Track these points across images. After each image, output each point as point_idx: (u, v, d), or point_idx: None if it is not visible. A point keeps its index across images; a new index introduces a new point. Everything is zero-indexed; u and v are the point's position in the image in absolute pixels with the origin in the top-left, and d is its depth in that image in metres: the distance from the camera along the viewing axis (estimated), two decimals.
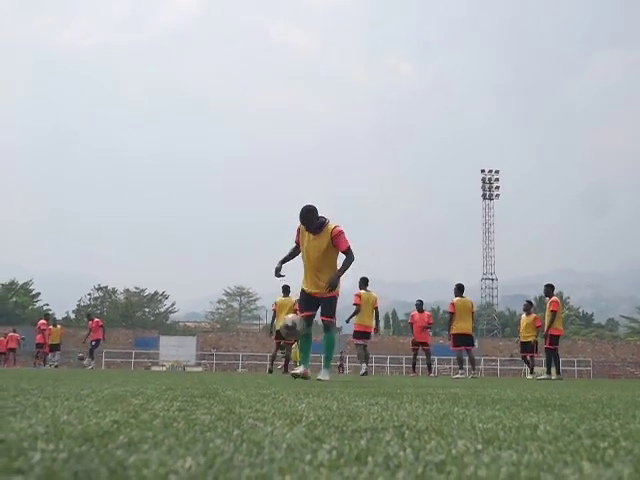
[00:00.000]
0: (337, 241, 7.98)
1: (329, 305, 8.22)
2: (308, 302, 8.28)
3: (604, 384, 10.48)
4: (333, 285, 8.06)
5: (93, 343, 22.40)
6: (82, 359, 23.12)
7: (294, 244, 8.37)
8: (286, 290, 15.70)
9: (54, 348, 24.08)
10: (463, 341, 15.12)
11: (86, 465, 1.12)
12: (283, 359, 16.32)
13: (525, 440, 1.63)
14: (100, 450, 1.30)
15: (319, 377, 8.09)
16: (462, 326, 15.02)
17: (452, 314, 15.19)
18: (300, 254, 8.31)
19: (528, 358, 17.01)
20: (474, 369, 15.70)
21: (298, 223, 8.21)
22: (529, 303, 17.14)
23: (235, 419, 2.08)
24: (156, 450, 1.31)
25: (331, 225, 8.05)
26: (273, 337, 16.12)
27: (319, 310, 8.29)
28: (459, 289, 15.23)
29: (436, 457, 1.29)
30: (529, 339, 16.53)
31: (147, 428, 1.73)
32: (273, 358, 16.32)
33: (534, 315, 16.86)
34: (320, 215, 8.07)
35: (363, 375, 14.44)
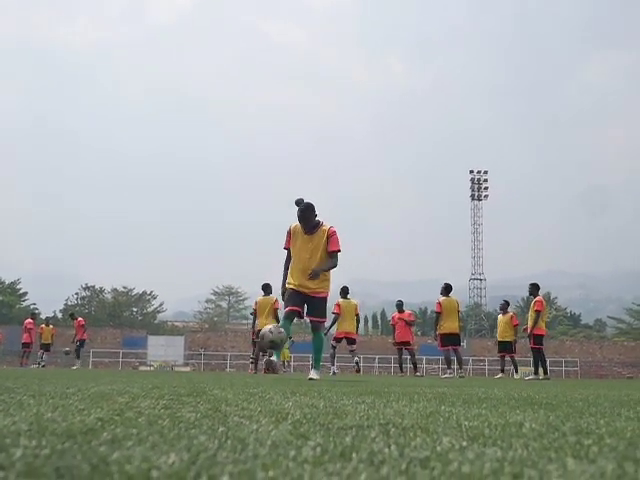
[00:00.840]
0: (331, 240, 7.95)
1: (320, 306, 8.15)
2: (296, 298, 8.09)
3: (591, 384, 10.53)
4: (315, 274, 7.93)
5: (78, 343, 22.40)
6: (67, 353, 23.03)
7: (285, 251, 8.26)
8: (267, 288, 15.56)
9: (45, 347, 23.92)
10: (450, 341, 15.15)
11: (68, 461, 1.11)
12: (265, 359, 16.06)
13: (510, 437, 1.63)
14: (83, 447, 1.29)
15: (310, 376, 8.08)
16: (449, 326, 15.04)
17: (439, 314, 15.22)
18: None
19: (507, 358, 16.98)
20: (461, 368, 15.73)
21: (290, 225, 8.13)
22: (506, 303, 17.23)
23: (221, 417, 2.07)
24: (140, 447, 1.30)
25: (327, 225, 8.04)
26: (253, 338, 16.00)
27: (306, 310, 8.20)
28: (446, 289, 15.27)
29: (421, 453, 1.29)
30: (507, 339, 16.56)
31: (132, 425, 1.72)
32: (256, 359, 16.05)
33: (511, 314, 16.90)
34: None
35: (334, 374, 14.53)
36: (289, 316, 8.14)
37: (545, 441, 1.56)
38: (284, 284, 8.21)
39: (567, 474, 1.09)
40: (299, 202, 7.98)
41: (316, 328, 8.28)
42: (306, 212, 7.94)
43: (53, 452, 1.20)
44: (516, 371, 16.98)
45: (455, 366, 15.60)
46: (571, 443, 1.54)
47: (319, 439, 1.49)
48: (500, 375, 16.78)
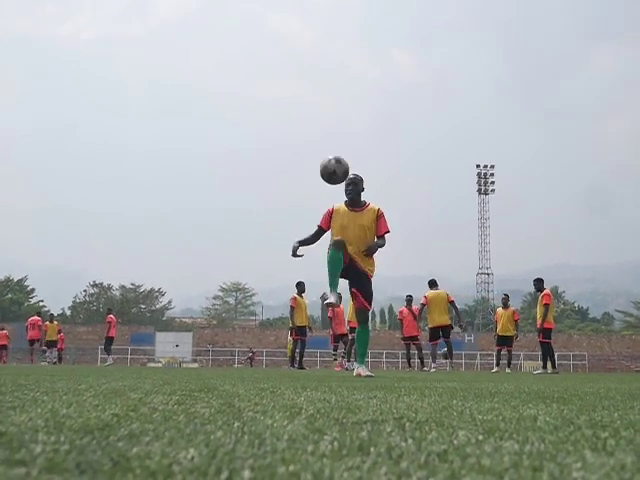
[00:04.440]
0: (381, 221, 7.36)
1: (369, 286, 7.39)
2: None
3: (600, 377, 10.51)
4: (372, 251, 7.27)
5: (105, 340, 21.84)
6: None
7: (317, 228, 7.52)
8: (300, 286, 15.61)
9: (51, 344, 23.87)
10: (438, 334, 15.27)
11: (89, 456, 1.12)
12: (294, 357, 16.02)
13: (526, 431, 1.63)
14: (101, 442, 1.30)
15: (367, 374, 7.35)
16: (436, 319, 15.16)
17: (423, 306, 15.43)
18: (331, 237, 7.37)
19: (504, 352, 16.81)
20: (451, 360, 15.73)
21: (333, 204, 7.47)
22: (506, 296, 17.22)
23: (235, 412, 2.07)
24: (157, 442, 1.30)
25: (376, 205, 7.45)
26: (292, 334, 15.91)
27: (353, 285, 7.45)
28: (432, 283, 15.42)
29: (438, 447, 1.29)
30: (508, 333, 16.51)
31: (147, 421, 1.73)
32: (296, 356, 15.91)
33: (512, 309, 16.87)
34: None
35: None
36: (340, 246, 7.16)
37: (561, 434, 1.56)
38: (299, 242, 7.38)
39: (587, 467, 1.09)
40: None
41: (366, 319, 7.61)
42: (357, 181, 7.36)
43: (73, 448, 1.21)
44: (508, 365, 16.88)
45: (435, 360, 15.62)
46: (587, 436, 1.53)
47: (335, 434, 1.49)
48: (496, 369, 16.70)
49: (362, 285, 7.40)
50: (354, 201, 7.44)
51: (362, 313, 7.55)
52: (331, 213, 7.46)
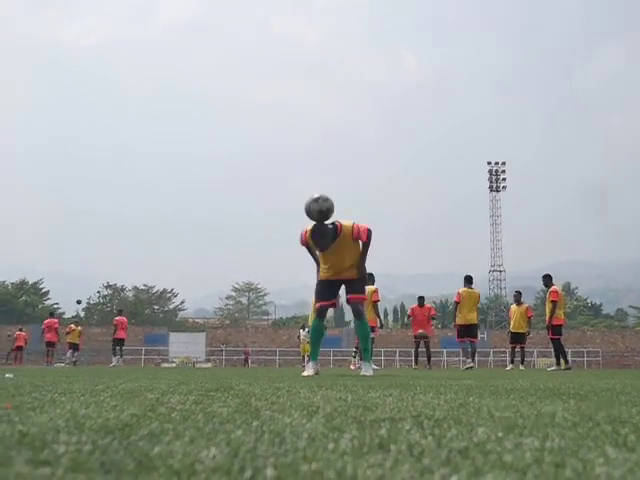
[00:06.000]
0: (359, 235, 7.06)
1: (358, 283, 7.21)
2: (329, 289, 7.25)
3: (615, 374, 10.46)
4: (364, 276, 7.29)
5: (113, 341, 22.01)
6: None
7: (304, 247, 7.33)
8: None
9: (73, 346, 24.18)
10: (466, 332, 15.02)
11: (112, 456, 1.12)
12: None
13: (545, 427, 1.63)
14: (123, 442, 1.30)
15: (363, 373, 7.26)
16: (465, 317, 14.92)
17: (457, 304, 15.10)
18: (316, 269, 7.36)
19: (518, 349, 16.65)
20: (473, 360, 15.54)
21: (302, 232, 7.23)
22: (518, 293, 17.00)
23: (252, 411, 2.08)
24: (178, 441, 1.31)
25: (347, 225, 7.06)
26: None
27: (344, 291, 7.33)
28: (467, 280, 15.14)
29: (458, 444, 1.29)
30: (521, 330, 16.34)
31: (166, 421, 1.74)
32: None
33: (526, 305, 16.69)
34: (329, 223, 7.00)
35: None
36: (321, 313, 7.32)
37: (581, 430, 1.56)
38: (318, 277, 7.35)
39: (610, 462, 1.09)
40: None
41: (358, 312, 7.27)
42: (320, 230, 6.89)
43: (95, 447, 1.22)
44: (522, 362, 16.73)
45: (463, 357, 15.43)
46: (607, 432, 1.53)
47: (354, 432, 1.49)
48: (510, 367, 16.58)
49: (353, 287, 7.27)
50: (322, 246, 7.05)
51: (354, 306, 7.34)
52: (305, 246, 7.31)
